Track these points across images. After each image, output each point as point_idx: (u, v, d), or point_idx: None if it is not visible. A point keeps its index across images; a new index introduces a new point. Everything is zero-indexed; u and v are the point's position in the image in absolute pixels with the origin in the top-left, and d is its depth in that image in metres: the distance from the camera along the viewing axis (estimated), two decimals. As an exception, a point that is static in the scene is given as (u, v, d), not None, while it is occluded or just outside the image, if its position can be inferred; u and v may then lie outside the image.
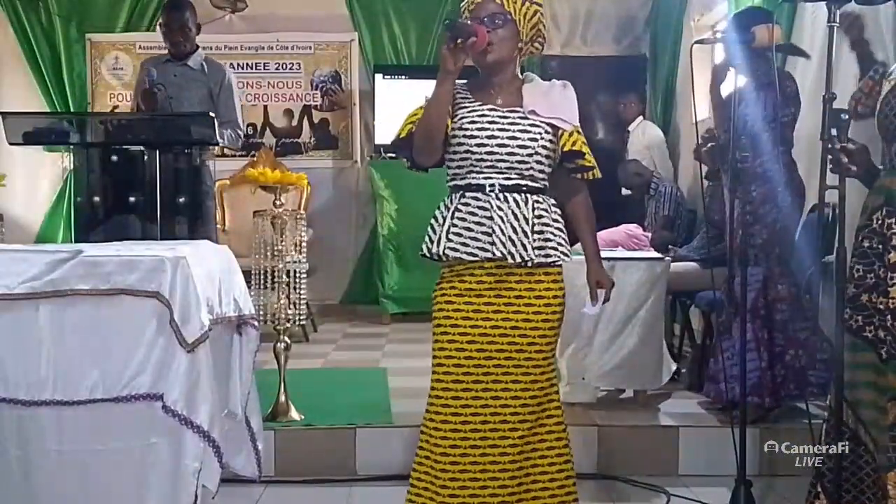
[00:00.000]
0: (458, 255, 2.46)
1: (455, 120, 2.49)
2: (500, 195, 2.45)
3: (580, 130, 2.55)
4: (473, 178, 2.47)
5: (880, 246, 2.54)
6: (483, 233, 2.44)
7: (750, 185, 3.58)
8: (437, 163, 2.54)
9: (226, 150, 6.39)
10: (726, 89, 3.65)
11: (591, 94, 7.40)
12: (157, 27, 4.67)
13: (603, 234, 5.16)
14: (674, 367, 4.23)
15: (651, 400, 4.11)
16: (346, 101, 7.21)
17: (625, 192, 6.28)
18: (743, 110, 3.49)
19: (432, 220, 2.52)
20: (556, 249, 2.49)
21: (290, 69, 7.17)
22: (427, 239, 2.51)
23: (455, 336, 2.48)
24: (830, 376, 2.88)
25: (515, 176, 2.46)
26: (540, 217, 2.47)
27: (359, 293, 7.13)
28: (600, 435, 3.66)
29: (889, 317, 2.50)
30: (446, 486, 2.47)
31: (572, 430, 3.68)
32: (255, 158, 6.59)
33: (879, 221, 2.55)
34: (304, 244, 3.77)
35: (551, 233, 2.49)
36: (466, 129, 2.47)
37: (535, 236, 2.45)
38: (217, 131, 3.97)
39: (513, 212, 2.44)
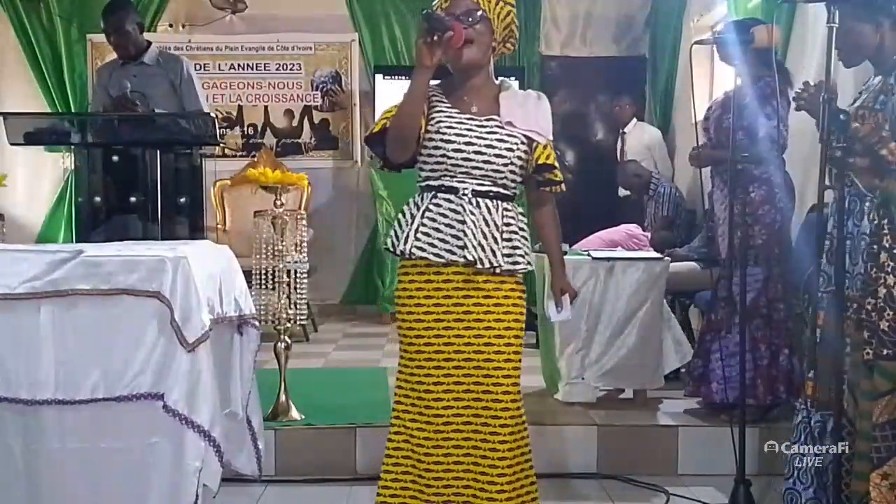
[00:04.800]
0: (424, 254, 2.46)
1: (432, 123, 2.49)
2: (473, 200, 2.45)
3: (552, 145, 2.56)
4: (447, 180, 2.47)
5: (875, 246, 2.56)
6: (453, 235, 2.45)
7: (747, 186, 3.58)
8: (409, 162, 2.54)
9: (226, 150, 6.42)
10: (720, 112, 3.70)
11: (590, 94, 7.41)
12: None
13: (603, 234, 5.18)
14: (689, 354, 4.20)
15: (650, 400, 4.12)
16: (347, 101, 7.21)
17: (624, 192, 6.29)
18: (741, 112, 3.49)
19: (399, 217, 2.52)
20: (522, 258, 2.50)
21: (291, 70, 7.17)
22: (393, 235, 2.51)
23: (431, 339, 2.48)
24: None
25: (489, 182, 2.47)
26: (508, 224, 2.48)
27: (359, 293, 7.14)
28: (599, 434, 3.67)
29: (875, 316, 2.52)
30: (430, 485, 2.49)
31: (572, 430, 3.72)
32: (255, 159, 6.59)
33: (875, 222, 2.57)
34: (304, 244, 3.78)
35: (518, 240, 2.50)
36: (444, 134, 2.46)
37: (504, 243, 2.47)
38: (217, 131, 3.98)
39: (484, 217, 2.45)
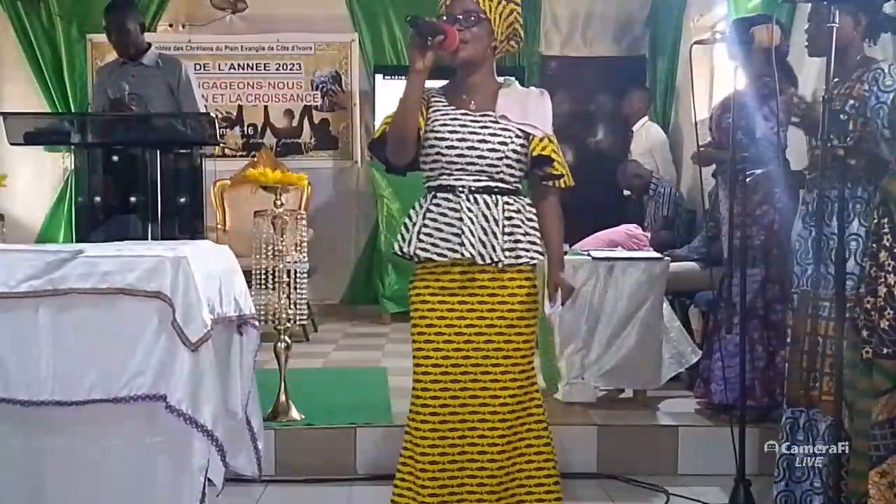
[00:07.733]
0: (428, 255, 2.47)
1: (428, 123, 2.50)
2: (471, 196, 2.46)
3: (553, 139, 2.54)
4: (444, 179, 2.49)
5: (874, 245, 2.56)
6: (453, 234, 2.45)
7: (750, 186, 3.58)
8: (411, 165, 2.55)
9: (226, 150, 6.42)
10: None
11: (590, 94, 7.41)
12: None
13: (603, 235, 5.18)
14: (696, 356, 4.20)
15: (650, 400, 4.12)
16: (347, 101, 7.22)
17: (625, 192, 6.28)
18: (743, 114, 3.49)
19: (405, 220, 2.54)
20: (527, 251, 2.49)
21: (291, 69, 7.17)
22: (400, 237, 2.53)
23: (431, 336, 2.49)
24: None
25: (485, 178, 2.47)
26: (510, 218, 2.48)
27: (359, 293, 7.14)
28: (599, 434, 3.67)
29: (875, 315, 2.52)
30: (426, 486, 2.49)
31: (572, 430, 3.72)
32: (255, 159, 6.59)
33: (875, 221, 2.57)
34: (304, 244, 3.78)
35: (522, 233, 2.49)
36: (438, 132, 2.48)
37: (505, 237, 2.46)
38: (217, 132, 3.98)
39: (482, 213, 2.45)
